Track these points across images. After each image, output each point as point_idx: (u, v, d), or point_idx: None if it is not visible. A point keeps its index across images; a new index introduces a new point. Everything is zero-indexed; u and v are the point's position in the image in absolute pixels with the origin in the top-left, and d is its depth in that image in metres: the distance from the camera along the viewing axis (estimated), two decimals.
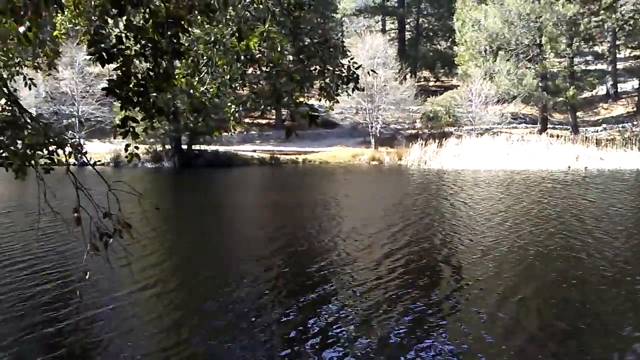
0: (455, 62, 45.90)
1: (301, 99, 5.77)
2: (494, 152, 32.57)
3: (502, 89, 37.62)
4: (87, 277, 4.36)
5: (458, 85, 45.20)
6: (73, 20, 6.32)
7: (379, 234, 14.03)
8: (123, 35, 3.89)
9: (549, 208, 17.65)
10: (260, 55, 6.09)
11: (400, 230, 14.37)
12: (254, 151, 38.23)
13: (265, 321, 8.14)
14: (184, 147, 35.21)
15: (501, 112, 38.75)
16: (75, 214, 4.16)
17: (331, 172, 32.20)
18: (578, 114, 41.02)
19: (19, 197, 19.70)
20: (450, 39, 52.22)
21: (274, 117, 44.82)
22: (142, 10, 3.89)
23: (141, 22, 4.01)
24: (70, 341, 7.44)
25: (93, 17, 6.20)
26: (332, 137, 41.32)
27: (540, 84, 37.97)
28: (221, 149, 36.54)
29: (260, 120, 44.19)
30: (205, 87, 6.39)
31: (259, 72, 7.10)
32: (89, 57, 7.04)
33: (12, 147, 4.15)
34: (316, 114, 4.65)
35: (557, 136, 35.88)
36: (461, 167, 31.43)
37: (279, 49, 5.03)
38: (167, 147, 34.59)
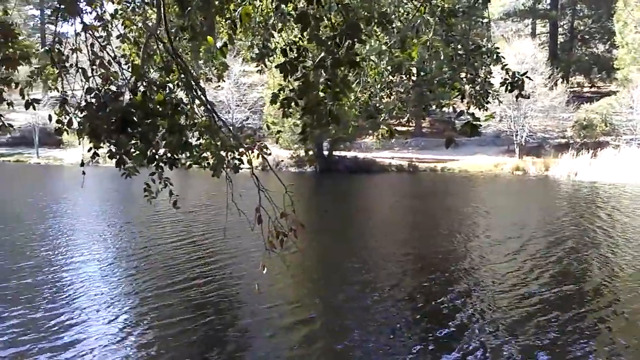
0: (615, 66, 42.17)
1: (461, 108, 5.68)
2: None
3: None
4: (264, 272, 4.71)
5: (617, 91, 41.26)
6: (238, 36, 6.92)
7: (522, 250, 13.25)
8: (288, 47, 4.19)
9: None
10: (409, 64, 6.18)
11: (546, 248, 13.43)
12: (392, 158, 38.30)
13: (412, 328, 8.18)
14: (325, 152, 36.36)
15: None
16: (257, 214, 4.56)
17: (471, 181, 31.17)
18: None
19: (211, 196, 21.77)
20: (609, 42, 48.02)
21: (413, 124, 44.51)
22: (323, 25, 4.16)
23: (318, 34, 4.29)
24: (250, 330, 8.17)
25: (257, 32, 6.76)
26: (472, 145, 39.99)
27: None
28: (360, 155, 37.16)
29: (399, 128, 44.13)
30: (357, 94, 6.65)
31: (406, 81, 7.20)
32: (255, 67, 7.56)
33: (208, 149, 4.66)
34: (478, 122, 4.56)
35: None
36: (619, 180, 28.57)
37: (441, 57, 5.05)
38: (310, 152, 35.98)
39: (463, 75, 6.13)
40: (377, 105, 6.72)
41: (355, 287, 10.25)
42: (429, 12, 5.95)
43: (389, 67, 5.68)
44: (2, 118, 4.62)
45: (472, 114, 5.63)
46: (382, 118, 6.94)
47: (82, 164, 5.20)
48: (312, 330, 8.26)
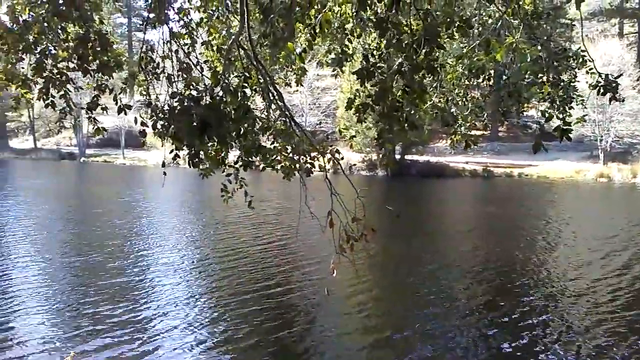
0: None
1: (551, 111, 5.46)
2: None
3: None
4: (334, 275, 4.73)
5: None
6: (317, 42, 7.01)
7: (604, 264, 12.51)
8: (370, 52, 4.18)
9: None
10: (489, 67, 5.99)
11: (630, 263, 12.57)
12: (466, 163, 37.31)
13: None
14: (397, 156, 36.03)
15: None
16: (329, 217, 4.60)
17: (551, 188, 29.80)
18: None
19: (284, 198, 22.36)
20: None
21: (489, 128, 43.19)
22: (402, 30, 4.13)
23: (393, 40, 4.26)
24: (317, 332, 8.30)
25: (335, 37, 6.80)
26: (552, 150, 38.09)
27: None
28: (432, 159, 36.51)
29: (474, 132, 42.95)
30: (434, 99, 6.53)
31: (484, 85, 6.98)
32: (354, 74, 7.66)
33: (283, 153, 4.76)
34: (569, 127, 4.37)
35: None
36: None
37: (527, 61, 4.87)
38: (384, 157, 35.78)
39: (546, 78, 5.88)
40: (454, 110, 6.58)
41: (425, 294, 10.09)
42: (513, 14, 5.77)
43: (465, 72, 5.56)
44: (96, 122, 4.94)
45: (563, 119, 5.39)
46: (459, 125, 6.79)
47: (163, 165, 5.44)
48: (379, 336, 8.20)
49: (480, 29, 5.33)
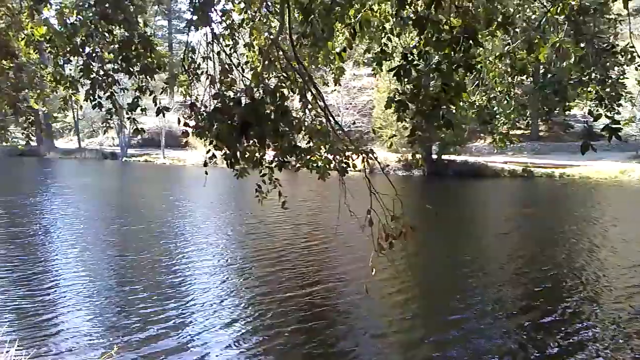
0: None
1: (601, 110, 5.32)
2: None
3: None
4: (373, 274, 4.74)
5: None
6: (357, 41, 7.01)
7: None
8: (409, 51, 4.16)
9: None
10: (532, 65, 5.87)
11: None
12: (505, 163, 36.53)
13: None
14: (434, 156, 35.63)
15: None
16: (368, 215, 4.60)
17: (594, 189, 28.88)
18: None
19: (324, 198, 22.47)
20: None
21: (525, 127, 42.33)
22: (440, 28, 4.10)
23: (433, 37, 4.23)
24: (356, 331, 8.30)
25: (374, 36, 6.79)
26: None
27: None
28: (470, 159, 35.95)
29: (514, 131, 42.14)
30: (475, 98, 6.44)
31: (527, 83, 6.85)
32: (370, 71, 7.63)
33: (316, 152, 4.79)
34: (618, 126, 4.24)
35: None
36: None
37: (571, 59, 4.76)
38: (417, 156, 35.45)
39: (592, 77, 5.74)
40: (496, 108, 6.48)
41: (463, 295, 9.97)
42: (558, 10, 5.64)
43: (508, 69, 5.47)
44: (136, 122, 5.09)
45: (612, 117, 5.24)
46: (502, 123, 6.67)
47: (205, 165, 5.57)
48: (418, 336, 8.18)
49: (524, 24, 5.22)
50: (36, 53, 5.31)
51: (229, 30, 5.00)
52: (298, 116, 4.86)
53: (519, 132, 42.41)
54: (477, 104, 5.70)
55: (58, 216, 18.31)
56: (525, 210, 22.16)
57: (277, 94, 4.24)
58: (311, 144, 4.97)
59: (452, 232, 16.57)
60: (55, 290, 9.97)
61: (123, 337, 7.80)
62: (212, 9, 4.36)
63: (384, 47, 6.12)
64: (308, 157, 5.07)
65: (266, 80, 4.45)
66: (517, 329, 8.39)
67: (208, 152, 4.99)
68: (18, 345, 6.55)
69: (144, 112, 4.90)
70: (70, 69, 5.11)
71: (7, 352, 6.07)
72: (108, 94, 4.59)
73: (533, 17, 6.00)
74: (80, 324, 8.35)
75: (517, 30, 5.32)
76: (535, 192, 29.09)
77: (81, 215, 18.61)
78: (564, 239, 15.31)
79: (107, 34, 4.38)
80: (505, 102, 6.35)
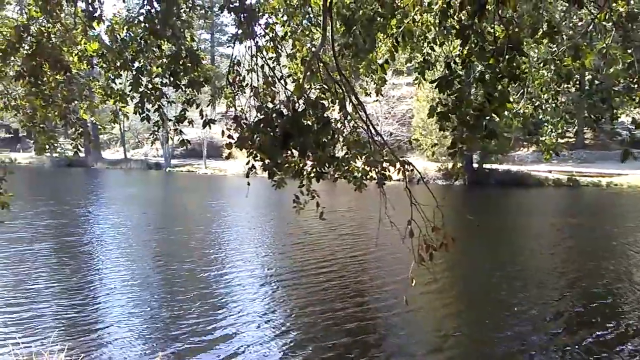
0: None
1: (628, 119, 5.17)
2: None
3: None
4: (413, 285, 4.70)
5: None
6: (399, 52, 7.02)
7: None
8: (452, 60, 4.14)
9: None
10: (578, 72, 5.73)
11: None
12: (550, 172, 35.60)
13: None
14: (475, 165, 35.07)
15: None
16: (408, 226, 4.59)
17: None
18: None
19: (363, 209, 22.48)
20: None
21: (573, 135, 41.17)
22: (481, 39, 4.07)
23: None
24: (395, 343, 8.26)
25: (416, 46, 6.78)
26: None
27: None
28: (513, 168, 35.21)
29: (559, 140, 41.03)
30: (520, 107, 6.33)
31: (574, 91, 6.68)
32: (432, 83, 7.64)
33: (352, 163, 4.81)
34: None
35: None
36: None
37: (619, 65, 4.64)
38: (459, 165, 34.95)
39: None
40: (542, 117, 6.34)
41: (506, 308, 9.75)
42: (606, 17, 5.52)
43: (555, 77, 5.35)
44: (182, 133, 5.23)
45: None
46: (549, 131, 6.50)
47: (247, 175, 5.66)
48: (458, 350, 8.03)
49: (570, 32, 5.12)
50: (89, 67, 5.54)
51: (272, 42, 5.09)
52: (337, 127, 4.90)
53: (563, 140, 41.23)
54: (522, 112, 5.59)
55: (107, 226, 18.87)
56: (571, 220, 21.51)
57: (319, 106, 4.29)
58: (349, 155, 4.99)
59: (495, 242, 16.24)
60: (104, 300, 10.27)
61: (169, 347, 7.94)
62: (256, 23, 4.47)
63: (426, 57, 6.10)
64: (346, 167, 5.10)
65: (308, 92, 4.50)
66: (577, 346, 8.07)
67: (248, 162, 5.07)
68: (66, 355, 6.77)
69: (191, 124, 5.04)
70: (120, 83, 5.31)
71: None
72: (156, 106, 4.74)
73: (580, 24, 5.87)
74: (127, 333, 8.55)
75: (564, 37, 5.22)
76: (582, 201, 28.22)
77: (129, 225, 19.13)
78: (620, 251, 14.77)
79: (155, 49, 4.55)
80: (552, 110, 6.21)
